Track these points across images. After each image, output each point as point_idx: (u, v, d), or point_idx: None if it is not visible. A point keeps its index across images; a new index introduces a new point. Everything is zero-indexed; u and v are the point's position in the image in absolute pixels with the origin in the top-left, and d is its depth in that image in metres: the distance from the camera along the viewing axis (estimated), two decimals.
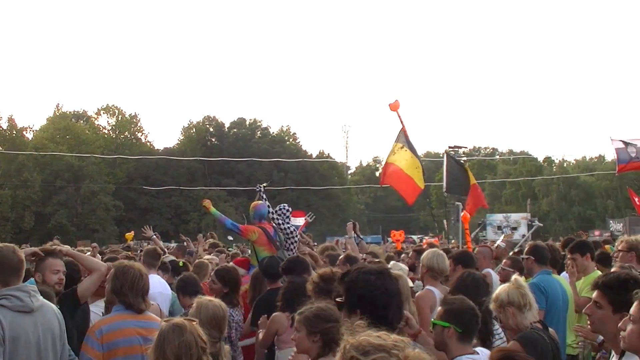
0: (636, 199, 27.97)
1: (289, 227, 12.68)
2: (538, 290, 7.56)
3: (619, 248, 9.77)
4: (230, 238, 49.92)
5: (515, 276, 6.44)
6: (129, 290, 6.48)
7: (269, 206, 13.11)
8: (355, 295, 4.67)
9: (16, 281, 6.03)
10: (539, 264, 8.87)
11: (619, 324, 4.23)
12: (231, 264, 11.65)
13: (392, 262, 9.39)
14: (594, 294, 4.90)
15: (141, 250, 16.62)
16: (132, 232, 28.70)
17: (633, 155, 18.78)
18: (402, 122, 15.92)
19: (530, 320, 6.09)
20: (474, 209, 18.75)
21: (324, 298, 6.17)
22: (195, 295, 8.18)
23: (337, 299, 4.86)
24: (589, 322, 5.05)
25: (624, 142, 18.79)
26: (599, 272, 9.42)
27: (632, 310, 4.04)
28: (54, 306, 6.32)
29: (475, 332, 5.65)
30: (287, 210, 13.08)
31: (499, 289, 6.30)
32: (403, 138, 16.12)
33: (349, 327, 3.71)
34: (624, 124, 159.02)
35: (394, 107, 15.72)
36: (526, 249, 9.37)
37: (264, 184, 14.33)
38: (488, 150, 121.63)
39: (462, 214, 20.58)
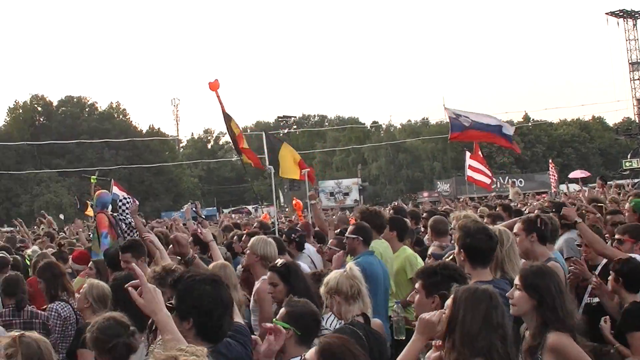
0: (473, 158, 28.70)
1: (127, 218, 12.96)
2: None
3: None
4: (61, 217, 48.79)
5: (351, 264, 6.48)
6: None
7: (123, 198, 13.24)
8: (189, 305, 4.62)
9: None
10: (365, 245, 8.79)
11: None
12: (69, 264, 11.56)
13: None
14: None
15: None
16: None
17: (467, 124, 19.88)
18: (220, 101, 15.47)
19: (355, 313, 6.10)
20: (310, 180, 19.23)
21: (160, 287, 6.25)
22: (16, 296, 8.58)
23: (168, 304, 4.59)
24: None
25: (456, 114, 19.85)
26: (408, 249, 9.86)
27: (447, 302, 4.49)
28: None
29: (315, 336, 5.54)
30: (128, 202, 13.48)
31: (331, 275, 6.32)
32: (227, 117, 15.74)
33: (163, 343, 3.87)
34: (447, 87, 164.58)
35: (214, 86, 15.23)
36: (351, 228, 9.16)
37: (195, 203, 13.98)
38: (317, 118, 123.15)
39: (294, 202, 21.06)
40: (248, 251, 8.73)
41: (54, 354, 4.56)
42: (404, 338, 6.21)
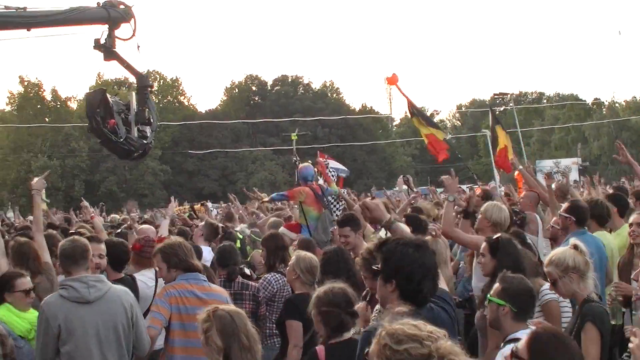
0: None
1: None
2: None
3: None
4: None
5: (576, 241, 6.31)
6: (181, 257, 6.89)
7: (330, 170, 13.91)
8: (392, 267, 4.65)
9: (77, 271, 6.23)
10: (577, 225, 8.54)
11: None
12: (282, 228, 11.78)
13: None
14: None
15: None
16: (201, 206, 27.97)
17: None
18: (404, 94, 15.39)
19: (591, 288, 6.03)
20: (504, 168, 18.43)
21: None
22: (228, 267, 8.97)
23: (374, 267, 4.89)
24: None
25: None
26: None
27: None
28: (123, 293, 6.45)
29: (530, 312, 5.75)
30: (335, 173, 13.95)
31: (562, 254, 6.14)
32: (414, 110, 15.77)
33: (388, 313, 3.88)
34: None
35: (392, 81, 15.14)
36: (566, 206, 8.95)
37: (407, 176, 14.56)
38: (535, 95, 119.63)
39: (516, 172, 20.34)
40: (480, 215, 8.77)
41: (249, 325, 5.00)
42: (620, 323, 6.62)
